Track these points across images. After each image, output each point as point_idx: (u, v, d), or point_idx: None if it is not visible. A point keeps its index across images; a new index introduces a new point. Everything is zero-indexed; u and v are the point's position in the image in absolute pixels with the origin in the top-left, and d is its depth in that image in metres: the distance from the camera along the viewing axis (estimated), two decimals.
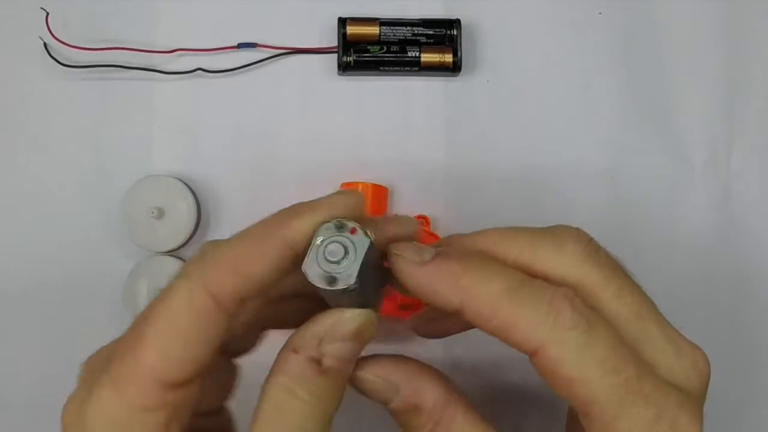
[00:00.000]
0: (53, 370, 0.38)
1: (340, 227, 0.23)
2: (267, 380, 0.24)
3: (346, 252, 0.22)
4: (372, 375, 0.26)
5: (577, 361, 0.23)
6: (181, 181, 0.39)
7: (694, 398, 0.25)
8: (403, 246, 0.25)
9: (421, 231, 0.27)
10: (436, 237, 0.38)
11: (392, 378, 0.26)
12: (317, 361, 0.24)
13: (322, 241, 0.22)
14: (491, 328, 0.24)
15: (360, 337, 0.24)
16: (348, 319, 0.24)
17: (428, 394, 0.26)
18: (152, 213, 0.38)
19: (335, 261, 0.22)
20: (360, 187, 0.38)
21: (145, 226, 0.38)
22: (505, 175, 0.40)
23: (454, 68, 0.39)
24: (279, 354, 0.24)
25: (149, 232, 0.38)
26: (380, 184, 0.38)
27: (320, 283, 0.22)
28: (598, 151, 0.41)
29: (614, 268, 0.26)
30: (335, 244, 0.22)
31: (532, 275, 0.25)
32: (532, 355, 0.24)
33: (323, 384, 0.24)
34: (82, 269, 0.39)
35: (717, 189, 0.41)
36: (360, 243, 0.22)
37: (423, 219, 0.39)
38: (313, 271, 0.22)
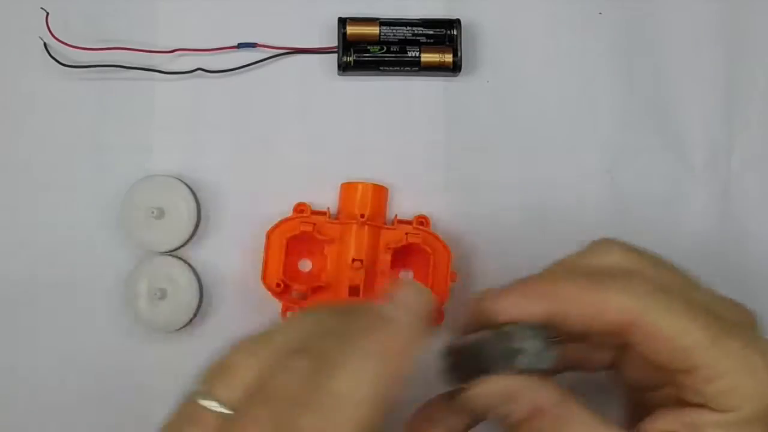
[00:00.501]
0: (53, 370, 0.38)
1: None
2: None
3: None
4: (492, 391, 0.28)
5: (673, 318, 0.27)
6: (181, 181, 0.39)
7: (755, 328, 0.29)
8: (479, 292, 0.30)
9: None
10: (436, 237, 0.38)
11: (510, 390, 0.28)
12: None
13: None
14: (581, 317, 0.28)
15: None
16: None
17: (545, 394, 0.28)
18: (152, 213, 0.38)
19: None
20: (360, 187, 0.38)
21: (145, 226, 0.38)
22: (505, 175, 0.40)
23: (454, 68, 0.39)
24: None
25: (149, 232, 0.38)
26: (380, 184, 0.38)
27: None
28: (598, 151, 0.41)
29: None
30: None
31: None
32: (628, 327, 0.27)
33: None
34: (82, 269, 0.39)
35: (717, 189, 0.41)
36: None
37: (423, 219, 0.39)
38: None
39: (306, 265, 0.39)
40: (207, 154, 0.40)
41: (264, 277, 0.37)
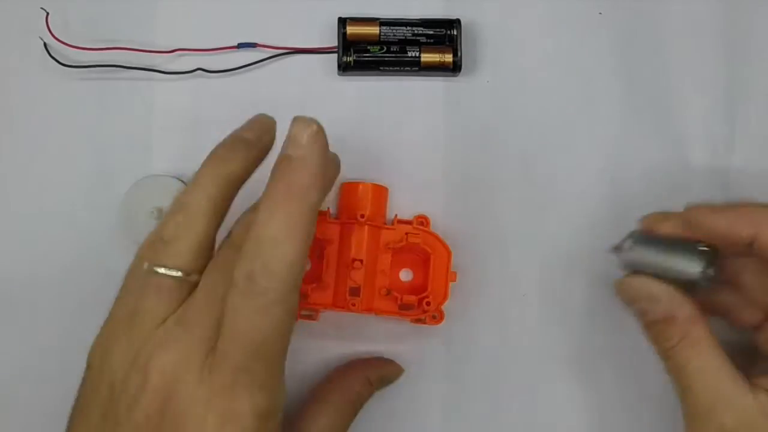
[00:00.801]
0: (53, 370, 0.38)
1: None
2: (338, 394, 0.36)
3: None
4: (640, 286, 0.34)
5: None
6: (181, 181, 0.39)
7: None
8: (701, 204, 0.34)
9: None
10: (436, 237, 0.38)
11: (654, 291, 0.33)
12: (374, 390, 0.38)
13: None
14: None
15: None
16: None
17: (682, 309, 0.32)
18: (152, 213, 0.38)
19: None
20: (360, 187, 0.38)
21: (145, 226, 0.38)
22: (504, 175, 0.40)
23: (454, 68, 0.39)
24: (353, 379, 0.37)
25: (149, 232, 0.38)
26: (380, 184, 0.38)
27: None
28: (598, 151, 0.41)
29: None
30: None
31: None
32: None
33: None
34: (82, 269, 0.39)
35: (717, 189, 0.41)
36: None
37: (423, 219, 0.39)
38: None
39: (306, 266, 0.39)
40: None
41: None
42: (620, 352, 0.39)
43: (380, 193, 0.38)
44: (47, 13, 0.38)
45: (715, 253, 0.33)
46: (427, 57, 0.39)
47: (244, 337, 0.27)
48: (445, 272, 0.37)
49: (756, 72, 0.41)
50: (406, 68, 0.39)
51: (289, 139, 0.28)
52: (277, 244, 0.27)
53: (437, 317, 0.37)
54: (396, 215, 0.38)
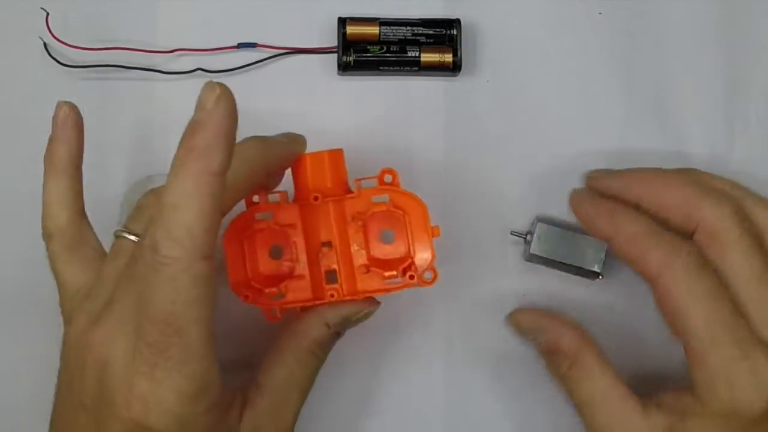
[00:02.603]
0: (53, 370, 0.38)
1: None
2: (293, 341, 0.33)
3: None
4: (526, 319, 0.37)
5: (684, 295, 0.30)
6: None
7: None
8: (579, 190, 0.37)
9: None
10: (405, 193, 0.34)
11: (540, 323, 0.36)
12: (338, 333, 0.34)
13: None
14: (626, 254, 0.33)
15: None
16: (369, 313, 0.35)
17: (565, 338, 0.34)
18: None
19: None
20: (309, 159, 0.34)
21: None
22: (504, 175, 0.40)
23: (454, 68, 0.39)
24: (308, 324, 0.34)
25: None
26: (333, 148, 0.35)
27: None
28: (598, 151, 0.41)
29: (753, 236, 0.31)
30: None
31: (684, 220, 0.32)
32: (653, 282, 0.31)
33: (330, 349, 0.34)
34: None
35: None
36: None
37: (388, 172, 0.34)
38: None
39: (279, 258, 0.35)
40: None
41: (232, 285, 0.33)
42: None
43: (336, 159, 0.34)
44: (47, 13, 0.38)
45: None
46: (427, 57, 0.39)
47: (155, 311, 0.26)
48: (424, 228, 0.33)
49: (756, 72, 0.41)
50: (406, 68, 0.39)
51: (197, 105, 0.27)
52: (176, 210, 0.26)
53: (430, 278, 0.33)
54: (356, 179, 0.34)
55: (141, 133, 0.40)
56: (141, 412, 0.27)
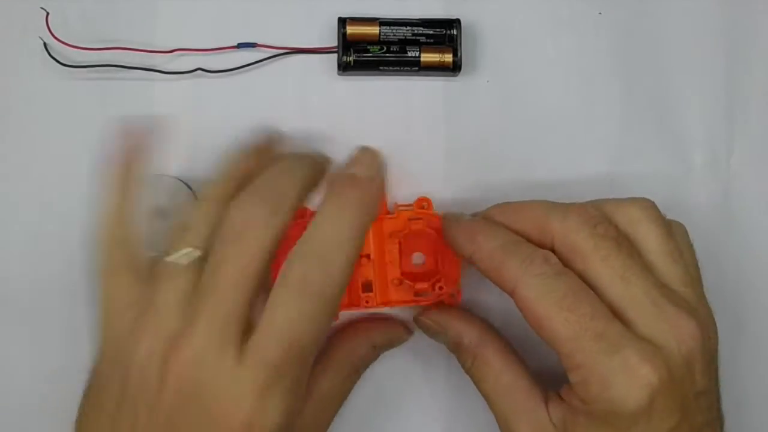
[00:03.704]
0: (52, 370, 0.38)
1: None
2: (342, 356, 0.36)
3: None
4: (429, 320, 0.37)
5: (540, 300, 0.30)
6: (181, 181, 0.39)
7: (665, 353, 0.29)
8: (450, 214, 0.36)
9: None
10: (440, 217, 0.38)
11: (441, 322, 0.36)
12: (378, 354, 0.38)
13: None
14: (486, 270, 0.32)
15: None
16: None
17: (465, 335, 0.35)
18: (152, 213, 0.38)
19: None
20: None
21: (145, 225, 0.38)
22: (504, 176, 0.40)
23: (454, 68, 0.39)
24: (357, 342, 0.37)
25: (149, 232, 0.38)
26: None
27: None
28: (597, 151, 0.41)
29: (610, 238, 0.31)
30: None
31: (540, 237, 0.32)
32: (511, 294, 0.31)
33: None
34: (82, 269, 0.39)
35: (717, 189, 0.41)
36: None
37: (425, 201, 0.38)
38: None
39: None
40: (207, 154, 0.40)
41: None
42: None
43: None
44: (47, 13, 0.38)
45: None
46: (427, 57, 0.39)
47: (286, 336, 0.27)
48: (453, 252, 0.37)
49: (756, 72, 0.41)
50: (406, 68, 0.39)
51: (357, 161, 0.32)
52: (341, 249, 0.28)
53: (455, 296, 0.38)
54: (396, 203, 0.39)
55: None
56: (244, 424, 0.27)
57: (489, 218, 0.34)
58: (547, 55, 0.41)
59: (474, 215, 0.36)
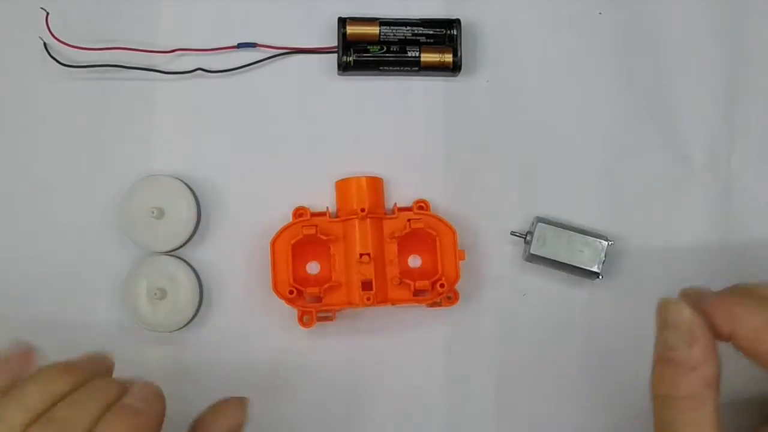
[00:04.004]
0: None
1: None
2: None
3: None
4: (681, 316, 0.29)
5: None
6: (181, 181, 0.39)
7: None
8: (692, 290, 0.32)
9: None
10: (439, 218, 0.38)
11: (694, 332, 0.29)
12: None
13: None
14: (754, 350, 0.29)
15: None
16: None
17: (709, 363, 0.29)
18: (152, 213, 0.38)
19: None
20: (354, 182, 0.38)
21: (145, 226, 0.38)
22: (504, 176, 0.40)
23: (454, 68, 0.39)
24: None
25: (149, 232, 0.38)
26: (373, 175, 0.39)
27: None
28: (597, 151, 0.41)
29: None
30: None
31: None
32: None
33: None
34: (82, 269, 0.39)
35: (717, 189, 0.41)
36: None
37: (422, 203, 0.39)
38: None
39: (314, 268, 0.39)
40: (207, 154, 0.40)
41: (274, 286, 0.37)
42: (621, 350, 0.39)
43: (376, 184, 0.39)
44: (47, 13, 0.38)
45: (611, 245, 0.38)
46: (427, 57, 0.39)
47: None
48: (452, 252, 0.38)
49: (756, 72, 0.41)
50: (406, 68, 0.39)
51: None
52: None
53: (452, 298, 0.38)
54: (395, 204, 0.39)
55: (141, 133, 0.40)
56: None
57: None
58: (547, 55, 0.41)
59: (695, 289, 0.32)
